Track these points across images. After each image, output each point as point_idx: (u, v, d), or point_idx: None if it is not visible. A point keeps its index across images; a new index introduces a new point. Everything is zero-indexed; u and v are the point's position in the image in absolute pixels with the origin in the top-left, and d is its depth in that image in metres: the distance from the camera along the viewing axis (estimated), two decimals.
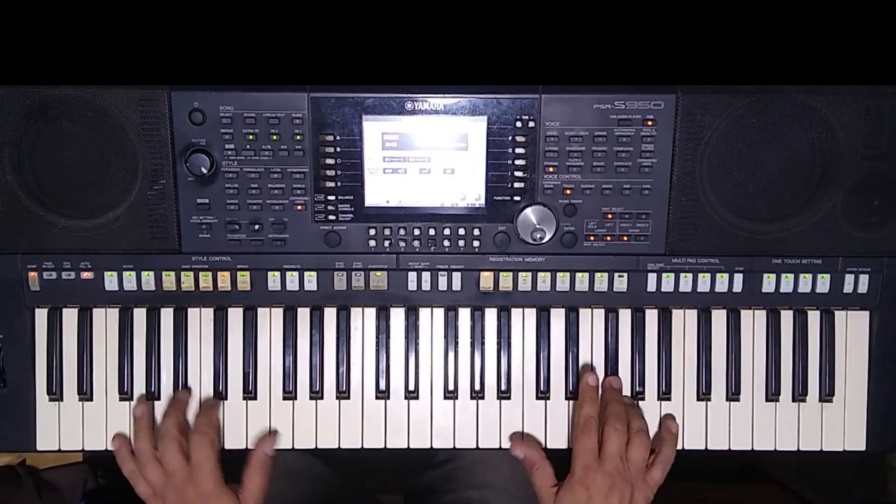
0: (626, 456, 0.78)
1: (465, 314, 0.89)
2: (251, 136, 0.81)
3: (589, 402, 0.83)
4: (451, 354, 0.88)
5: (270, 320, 0.88)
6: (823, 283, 0.87)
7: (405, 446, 0.88)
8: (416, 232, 0.85)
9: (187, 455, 0.80)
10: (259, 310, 0.88)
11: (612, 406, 0.82)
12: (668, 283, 0.87)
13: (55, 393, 0.87)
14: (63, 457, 1.19)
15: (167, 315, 0.88)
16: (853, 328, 0.89)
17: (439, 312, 0.89)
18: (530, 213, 0.83)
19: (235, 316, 0.88)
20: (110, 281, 0.86)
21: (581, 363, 0.89)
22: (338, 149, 0.82)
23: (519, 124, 0.81)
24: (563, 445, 0.88)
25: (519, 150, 0.82)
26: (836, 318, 0.89)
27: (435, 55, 0.76)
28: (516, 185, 0.83)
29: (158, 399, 0.87)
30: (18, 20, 0.73)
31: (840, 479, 1.33)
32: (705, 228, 0.84)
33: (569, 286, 0.87)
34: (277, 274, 0.86)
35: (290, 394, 0.88)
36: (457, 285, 0.87)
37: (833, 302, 0.88)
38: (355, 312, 0.88)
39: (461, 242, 0.85)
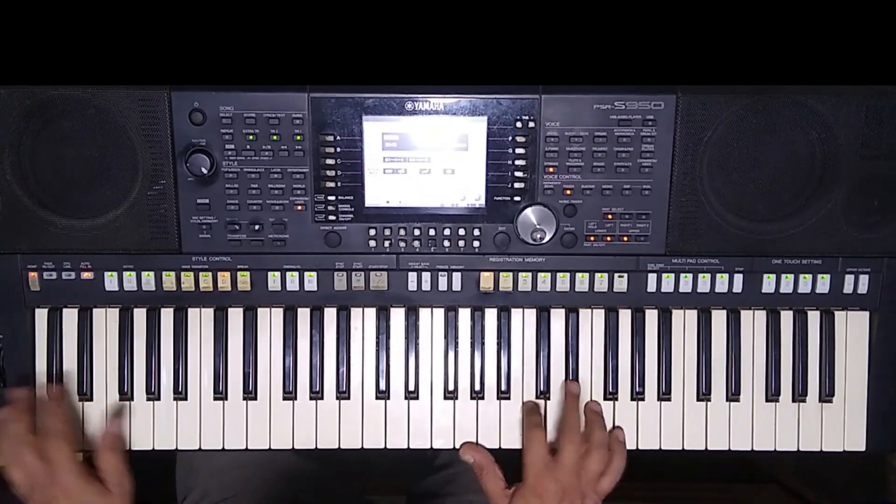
0: (583, 466, 0.79)
1: (465, 314, 0.89)
2: (251, 137, 0.81)
3: (535, 410, 0.85)
4: (451, 355, 0.88)
5: (270, 320, 0.88)
6: (823, 284, 0.87)
7: (405, 446, 0.88)
8: (417, 232, 0.85)
9: (44, 453, 0.78)
10: (259, 310, 0.88)
11: (569, 415, 0.82)
12: (668, 283, 0.87)
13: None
14: None
15: (167, 315, 0.88)
16: (853, 329, 0.89)
17: (439, 313, 0.89)
18: (530, 214, 0.83)
19: (235, 316, 0.88)
20: (110, 281, 0.86)
21: (581, 363, 0.89)
22: (338, 149, 0.82)
23: (519, 124, 0.81)
24: None
25: (519, 151, 0.82)
26: (835, 318, 0.89)
27: (435, 55, 0.76)
28: (516, 185, 0.83)
29: (158, 399, 0.87)
30: (19, 20, 0.73)
31: (840, 479, 1.33)
32: (705, 229, 0.84)
33: (569, 286, 0.87)
34: (277, 274, 0.86)
35: (290, 394, 0.88)
36: (457, 285, 0.87)
37: (833, 302, 0.88)
38: (355, 312, 0.88)
39: (461, 243, 0.85)
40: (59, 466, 0.78)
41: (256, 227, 0.84)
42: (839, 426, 0.89)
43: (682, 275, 0.87)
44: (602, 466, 0.81)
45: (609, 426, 0.87)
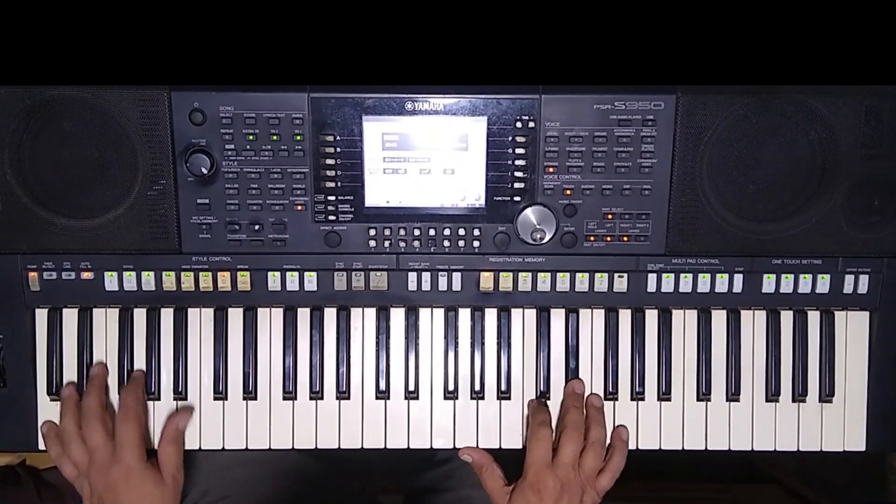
0: (580, 463, 0.81)
1: (465, 314, 0.89)
2: (251, 137, 0.81)
3: (542, 409, 0.85)
4: (451, 355, 0.88)
5: (270, 320, 0.88)
6: (823, 284, 0.87)
7: (405, 446, 0.88)
8: (416, 232, 0.85)
9: (111, 432, 0.80)
10: (259, 310, 0.88)
11: (571, 414, 0.83)
12: (668, 283, 0.87)
13: (55, 393, 0.87)
14: None
15: (167, 315, 0.88)
16: (853, 328, 0.89)
17: (439, 313, 0.89)
18: (530, 214, 0.83)
19: (235, 316, 0.88)
20: (110, 281, 0.86)
21: (581, 363, 0.89)
22: (338, 149, 0.82)
23: (519, 124, 0.81)
24: None
25: (519, 151, 0.82)
26: (835, 318, 0.89)
27: (435, 55, 0.76)
28: (516, 185, 0.83)
29: (158, 399, 0.87)
30: (19, 20, 0.73)
31: (840, 479, 1.33)
32: (705, 229, 0.84)
33: (569, 286, 0.87)
34: (277, 274, 0.86)
35: (290, 394, 0.88)
36: (457, 285, 0.87)
37: (833, 302, 0.88)
38: (355, 312, 0.88)
39: (461, 243, 0.85)
40: (126, 446, 0.79)
41: (256, 227, 0.84)
42: (839, 426, 0.89)
43: (682, 275, 0.87)
44: (599, 463, 0.82)
45: (609, 425, 0.87)
